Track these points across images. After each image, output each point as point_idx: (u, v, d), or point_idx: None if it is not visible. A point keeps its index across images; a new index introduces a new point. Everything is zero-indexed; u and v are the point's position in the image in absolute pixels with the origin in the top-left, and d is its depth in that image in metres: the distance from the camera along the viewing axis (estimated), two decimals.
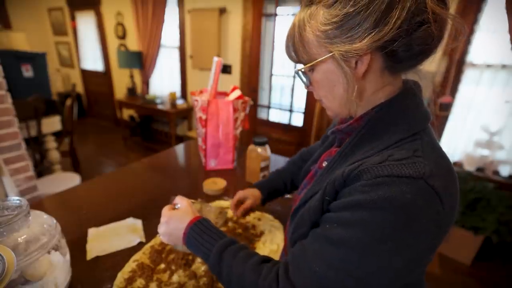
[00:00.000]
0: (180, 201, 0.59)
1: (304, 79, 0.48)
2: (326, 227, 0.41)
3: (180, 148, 1.50)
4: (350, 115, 0.48)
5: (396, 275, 0.36)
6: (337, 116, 0.50)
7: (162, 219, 0.56)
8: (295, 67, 0.48)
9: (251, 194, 0.79)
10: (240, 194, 0.79)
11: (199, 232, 0.52)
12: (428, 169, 0.35)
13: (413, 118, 0.42)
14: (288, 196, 0.97)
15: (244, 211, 0.77)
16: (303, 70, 0.47)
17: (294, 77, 2.69)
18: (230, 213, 0.88)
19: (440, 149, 0.42)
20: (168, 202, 0.62)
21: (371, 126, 0.44)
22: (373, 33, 0.36)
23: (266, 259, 0.48)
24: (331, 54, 0.41)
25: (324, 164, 0.54)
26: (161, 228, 0.56)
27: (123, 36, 3.84)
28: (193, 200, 0.63)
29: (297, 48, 0.45)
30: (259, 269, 0.45)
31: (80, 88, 4.87)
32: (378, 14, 0.35)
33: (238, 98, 1.17)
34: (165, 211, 0.57)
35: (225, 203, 0.96)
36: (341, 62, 0.40)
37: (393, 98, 0.44)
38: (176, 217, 0.55)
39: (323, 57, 0.42)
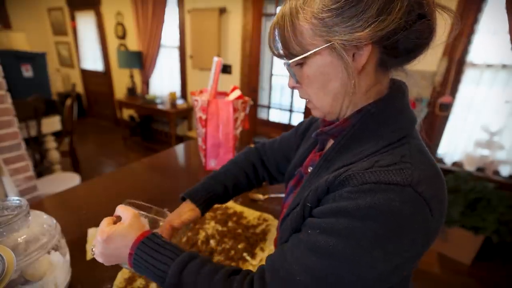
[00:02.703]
0: (123, 213, 0.47)
1: (293, 75, 0.43)
2: (309, 233, 0.38)
3: (180, 148, 1.50)
4: (338, 116, 0.45)
5: (380, 282, 0.36)
6: (325, 116, 0.46)
7: (99, 236, 0.45)
8: (284, 63, 0.43)
9: (184, 211, 0.61)
10: (169, 221, 0.58)
11: (148, 251, 0.42)
12: (416, 176, 0.34)
13: (401, 122, 0.41)
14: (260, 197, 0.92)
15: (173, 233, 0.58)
16: (294, 63, 0.41)
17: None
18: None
19: (427, 152, 0.40)
20: (165, 204, 0.56)
21: (358, 129, 0.42)
22: (376, 22, 0.34)
23: (235, 271, 0.43)
24: (329, 44, 0.37)
25: (310, 169, 0.51)
26: (97, 248, 0.45)
27: (123, 36, 3.84)
28: (142, 213, 0.51)
29: (287, 39, 0.40)
30: (228, 284, 0.40)
31: (80, 88, 4.87)
32: (381, 2, 0.34)
33: (238, 98, 1.17)
34: (103, 226, 0.46)
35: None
36: (342, 52, 0.37)
37: (382, 98, 0.42)
38: (118, 234, 0.44)
39: (320, 47, 0.38)
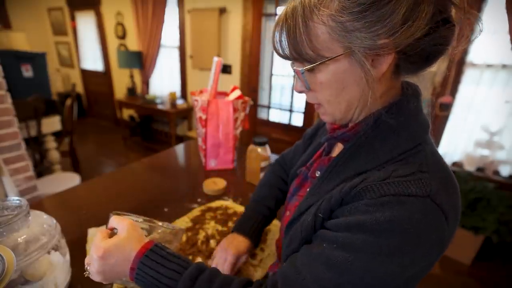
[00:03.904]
0: (119, 223, 0.43)
1: (305, 81, 0.40)
2: (324, 246, 0.37)
3: (180, 148, 1.50)
4: (349, 122, 0.43)
5: None
6: (335, 122, 0.44)
7: (94, 253, 0.40)
8: (293, 66, 0.40)
9: (237, 248, 0.62)
10: (230, 259, 0.60)
11: (153, 265, 0.39)
12: (434, 186, 0.33)
13: (416, 127, 0.39)
14: None
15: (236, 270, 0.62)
16: (309, 69, 0.37)
17: (294, 77, 2.69)
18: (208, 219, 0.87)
19: (440, 157, 0.39)
20: (159, 208, 0.55)
21: (371, 134, 0.40)
22: (403, 29, 0.31)
23: (248, 283, 0.42)
24: (348, 50, 0.34)
25: (317, 174, 0.49)
26: (94, 266, 0.41)
27: (123, 36, 3.84)
28: (137, 220, 0.47)
29: (299, 42, 0.35)
30: None
31: (80, 88, 4.87)
32: (409, 6, 0.30)
33: (238, 98, 1.17)
34: (98, 240, 0.41)
35: (224, 202, 0.96)
36: (363, 60, 0.34)
37: (396, 103, 0.39)
38: (115, 247, 0.40)
39: (338, 54, 0.34)
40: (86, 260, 0.43)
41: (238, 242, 0.63)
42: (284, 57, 0.40)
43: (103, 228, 0.44)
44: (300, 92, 0.43)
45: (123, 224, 0.42)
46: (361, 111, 0.41)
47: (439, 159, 0.39)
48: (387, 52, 0.33)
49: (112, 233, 0.44)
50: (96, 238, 0.42)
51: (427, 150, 0.38)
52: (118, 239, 0.41)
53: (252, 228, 0.65)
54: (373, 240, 0.33)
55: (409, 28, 0.31)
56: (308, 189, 0.48)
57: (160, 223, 0.52)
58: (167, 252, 0.41)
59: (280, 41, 0.38)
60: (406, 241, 0.32)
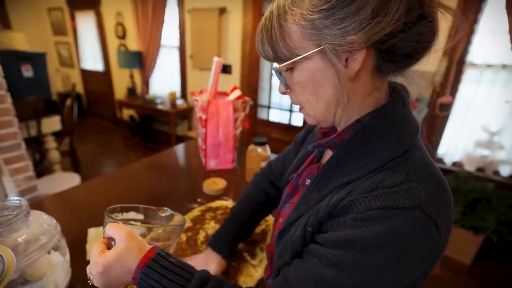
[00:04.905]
0: (115, 233, 0.40)
1: (283, 81, 0.40)
2: (315, 262, 0.36)
3: (180, 148, 1.50)
4: (333, 123, 0.42)
5: None
6: (318, 123, 0.43)
7: (94, 269, 0.39)
8: (272, 66, 0.40)
9: (212, 264, 0.64)
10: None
11: (157, 276, 0.37)
12: (424, 195, 0.32)
13: (404, 132, 0.38)
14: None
15: None
16: (283, 68, 0.38)
17: None
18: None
19: (431, 163, 0.38)
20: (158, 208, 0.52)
21: (358, 141, 0.38)
22: (371, 24, 0.31)
23: None
24: (319, 48, 0.34)
25: (307, 182, 0.48)
26: (95, 279, 0.40)
27: (123, 36, 3.84)
28: (133, 224, 0.45)
29: (275, 42, 0.37)
30: None
31: (80, 88, 4.87)
32: (377, 3, 0.31)
33: (238, 98, 1.17)
34: (95, 256, 0.39)
35: (224, 202, 0.96)
36: (333, 57, 0.34)
37: (382, 107, 0.39)
38: (115, 261, 0.38)
39: (310, 52, 0.35)
40: (88, 270, 0.41)
41: (213, 264, 0.64)
42: (265, 57, 0.40)
43: (99, 241, 0.42)
44: (283, 93, 0.43)
45: (120, 234, 0.40)
46: (343, 112, 0.40)
47: (429, 165, 0.38)
48: (356, 48, 0.33)
49: (109, 243, 0.42)
50: (93, 254, 0.40)
51: (416, 157, 0.37)
52: (116, 252, 0.38)
53: (227, 246, 0.66)
54: (362, 257, 0.32)
55: (378, 24, 0.31)
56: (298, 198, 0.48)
57: (157, 224, 0.52)
58: (169, 262, 0.39)
59: (262, 42, 0.39)
60: (396, 256, 0.32)
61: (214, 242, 0.67)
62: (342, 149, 0.40)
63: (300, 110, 0.44)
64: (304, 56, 0.36)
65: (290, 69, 0.39)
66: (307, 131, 0.63)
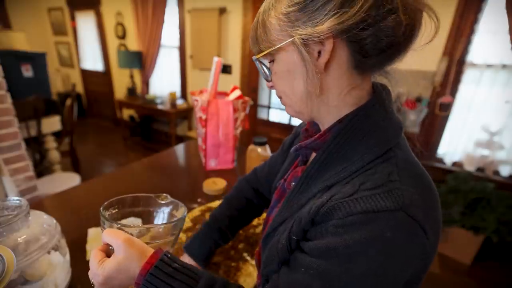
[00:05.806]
0: (113, 240, 0.39)
1: (266, 71, 0.42)
2: (302, 271, 0.35)
3: (180, 148, 1.50)
4: (312, 117, 0.43)
5: None
6: (297, 116, 0.44)
7: (95, 281, 0.39)
8: (253, 58, 0.43)
9: None
10: None
11: (161, 285, 0.36)
12: (407, 196, 0.31)
13: (386, 131, 0.37)
14: None
15: None
16: (260, 58, 0.41)
17: None
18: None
19: (416, 163, 0.38)
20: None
21: (339, 142, 0.38)
22: (337, 15, 0.32)
23: None
24: (291, 39, 0.36)
25: (292, 185, 0.47)
26: None
27: (123, 36, 3.84)
28: (130, 226, 0.44)
29: (258, 36, 0.39)
30: None
31: (80, 88, 4.87)
32: None
33: (238, 98, 1.17)
34: (94, 267, 0.39)
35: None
36: (301, 48, 0.35)
37: (362, 106, 0.38)
38: (117, 271, 0.37)
39: (283, 43, 0.37)
40: (90, 275, 0.40)
41: None
42: (256, 53, 0.42)
43: (96, 250, 0.41)
44: (270, 87, 0.45)
45: (117, 242, 0.38)
46: (318, 106, 0.40)
47: (413, 165, 0.37)
48: (323, 37, 0.34)
49: (108, 248, 0.41)
50: (92, 264, 0.39)
51: (399, 157, 0.36)
52: (116, 262, 0.37)
53: (203, 252, 0.65)
54: (346, 266, 0.31)
55: (344, 14, 0.32)
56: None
57: (156, 224, 0.51)
58: (172, 268, 0.38)
59: (252, 40, 0.42)
60: (381, 261, 0.31)
61: (189, 247, 0.66)
62: (324, 151, 0.39)
63: (281, 101, 0.45)
64: (278, 47, 0.38)
65: (272, 61, 0.41)
66: (294, 136, 0.62)
